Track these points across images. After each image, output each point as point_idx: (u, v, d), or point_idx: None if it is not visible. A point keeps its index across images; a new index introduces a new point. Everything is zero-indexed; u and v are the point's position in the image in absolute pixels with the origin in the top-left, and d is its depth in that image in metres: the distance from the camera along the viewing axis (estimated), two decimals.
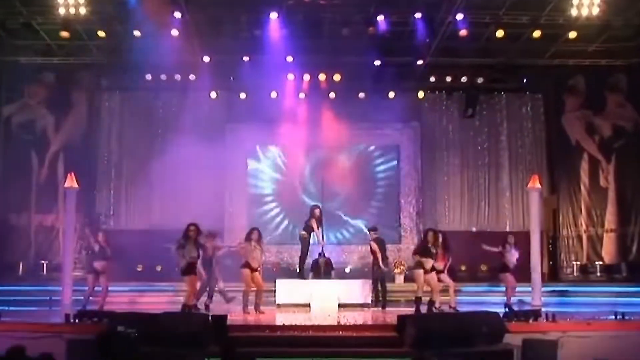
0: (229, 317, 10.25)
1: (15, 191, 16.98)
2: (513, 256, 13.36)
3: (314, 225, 14.58)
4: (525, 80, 17.83)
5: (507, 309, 11.94)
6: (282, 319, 11.68)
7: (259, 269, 12.92)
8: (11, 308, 12.62)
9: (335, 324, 10.96)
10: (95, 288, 12.86)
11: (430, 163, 18.60)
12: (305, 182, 18.34)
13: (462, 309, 12.79)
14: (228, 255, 14.10)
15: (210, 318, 10.03)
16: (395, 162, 18.70)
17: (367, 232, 15.21)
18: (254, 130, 17.89)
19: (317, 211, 14.78)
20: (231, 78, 16.94)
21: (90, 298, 12.86)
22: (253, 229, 13.23)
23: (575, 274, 17.18)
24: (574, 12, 14.00)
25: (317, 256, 15.07)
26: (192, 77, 16.87)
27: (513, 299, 13.44)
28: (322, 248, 15.10)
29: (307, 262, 14.94)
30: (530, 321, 10.48)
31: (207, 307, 13.03)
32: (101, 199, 17.77)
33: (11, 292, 14.32)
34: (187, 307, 11.88)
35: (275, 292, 13.96)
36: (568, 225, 17.64)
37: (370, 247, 14.44)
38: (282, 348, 9.51)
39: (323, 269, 14.90)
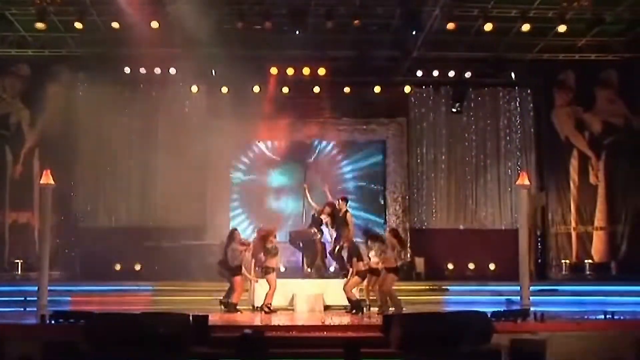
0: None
1: None
2: None
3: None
4: (513, 75, 17.53)
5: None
6: (266, 319, 11.45)
7: None
8: None
9: (320, 324, 10.68)
10: None
11: (417, 159, 18.31)
12: (289, 178, 17.92)
13: (450, 308, 12.57)
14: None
15: (191, 318, 9.70)
16: (381, 158, 18.38)
17: None
18: (236, 125, 17.44)
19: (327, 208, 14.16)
20: (213, 72, 16.52)
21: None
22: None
23: (564, 272, 16.96)
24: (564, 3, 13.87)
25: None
26: (172, 70, 16.47)
27: (501, 299, 13.27)
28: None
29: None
30: (518, 321, 10.44)
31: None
32: (78, 196, 17.25)
33: None
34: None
35: (249, 293, 13.27)
36: (557, 222, 17.44)
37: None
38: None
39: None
